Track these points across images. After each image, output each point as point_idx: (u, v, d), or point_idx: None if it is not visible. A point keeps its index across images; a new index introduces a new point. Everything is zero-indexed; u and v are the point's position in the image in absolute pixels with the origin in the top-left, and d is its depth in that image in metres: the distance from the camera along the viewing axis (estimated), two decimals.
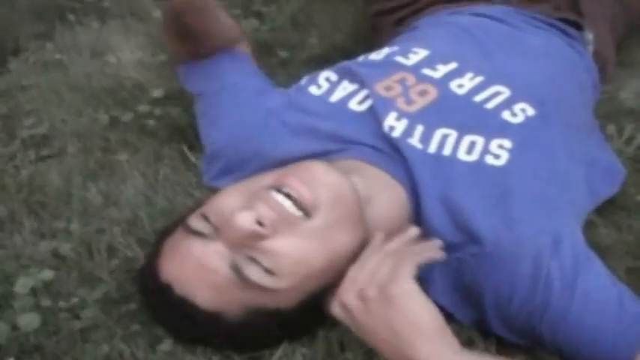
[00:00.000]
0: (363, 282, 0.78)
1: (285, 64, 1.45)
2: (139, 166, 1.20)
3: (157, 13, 1.56)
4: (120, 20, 1.57)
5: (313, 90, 1.04)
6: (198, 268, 0.81)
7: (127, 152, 1.23)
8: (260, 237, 0.79)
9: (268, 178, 0.84)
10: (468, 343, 0.90)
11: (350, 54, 1.21)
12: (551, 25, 1.20)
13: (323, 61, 1.35)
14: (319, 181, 0.82)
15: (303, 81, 1.07)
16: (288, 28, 1.54)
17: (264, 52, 1.42)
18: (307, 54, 1.47)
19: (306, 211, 0.81)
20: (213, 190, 0.96)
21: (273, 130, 1.00)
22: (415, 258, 0.79)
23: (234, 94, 1.08)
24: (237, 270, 0.79)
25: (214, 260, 0.80)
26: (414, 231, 0.83)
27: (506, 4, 1.24)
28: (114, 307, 0.95)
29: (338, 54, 1.41)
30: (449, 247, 0.87)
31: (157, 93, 1.33)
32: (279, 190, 0.82)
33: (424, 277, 0.85)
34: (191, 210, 0.88)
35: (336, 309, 0.80)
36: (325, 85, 1.04)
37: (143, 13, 1.59)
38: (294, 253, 0.80)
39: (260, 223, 0.79)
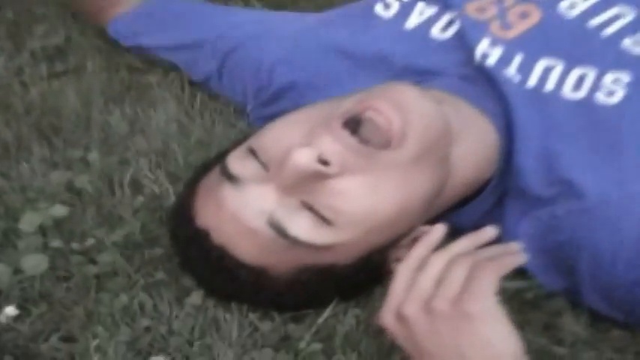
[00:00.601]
0: (429, 291, 0.75)
1: None
2: (172, 88, 1.19)
3: None
4: None
5: (380, 10, 1.04)
6: (235, 224, 0.80)
7: (158, 73, 1.22)
8: (322, 177, 0.78)
9: (347, 102, 0.82)
10: (554, 314, 0.89)
11: None
12: None
13: None
14: (411, 105, 0.81)
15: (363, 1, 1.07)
16: None
17: None
18: None
19: (389, 141, 0.79)
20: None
21: (335, 67, 1.01)
22: (497, 268, 0.76)
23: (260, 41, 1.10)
24: (280, 229, 0.79)
25: (252, 217, 0.80)
26: (489, 232, 0.79)
27: None
28: (136, 252, 0.95)
29: None
30: (540, 200, 0.87)
31: None
32: (354, 127, 0.79)
33: (510, 230, 0.86)
34: (235, 143, 0.87)
35: (388, 319, 0.77)
36: (395, 5, 1.04)
37: None
38: (365, 195, 0.79)
39: (324, 162, 0.77)
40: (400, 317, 0.76)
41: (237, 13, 1.22)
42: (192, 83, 1.21)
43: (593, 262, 0.85)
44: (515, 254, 0.78)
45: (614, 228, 0.84)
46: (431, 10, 1.02)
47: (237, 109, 1.15)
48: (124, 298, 0.90)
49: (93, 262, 0.94)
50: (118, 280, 0.92)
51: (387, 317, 0.77)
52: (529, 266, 0.87)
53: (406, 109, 0.81)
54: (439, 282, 0.75)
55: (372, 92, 0.83)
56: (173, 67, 1.22)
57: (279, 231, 0.79)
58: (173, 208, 0.92)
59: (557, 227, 0.87)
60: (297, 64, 1.07)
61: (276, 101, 1.09)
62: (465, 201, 0.91)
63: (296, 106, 0.89)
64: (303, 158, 0.77)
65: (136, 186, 1.04)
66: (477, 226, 0.80)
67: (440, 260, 0.76)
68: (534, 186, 0.88)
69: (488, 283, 0.74)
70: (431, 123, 0.82)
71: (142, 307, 0.90)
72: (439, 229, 0.79)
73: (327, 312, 0.88)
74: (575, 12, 0.96)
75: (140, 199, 1.02)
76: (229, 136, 1.10)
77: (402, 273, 0.77)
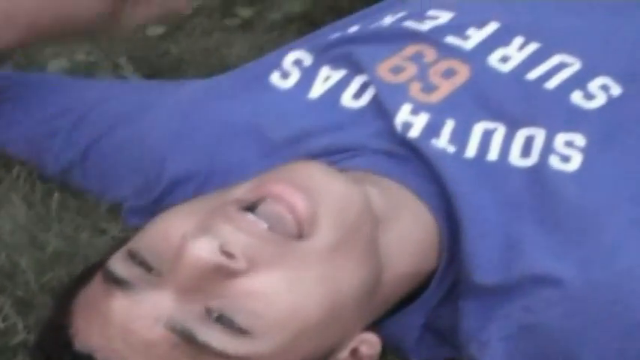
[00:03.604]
0: None
1: (246, 28, 1.39)
2: (19, 186, 1.09)
3: None
4: None
5: (276, 80, 1.00)
6: (128, 339, 0.75)
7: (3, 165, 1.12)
8: (228, 273, 0.74)
9: (238, 190, 0.81)
10: None
11: (344, 12, 1.15)
12: None
13: (303, 25, 1.33)
14: (319, 186, 0.79)
15: (255, 65, 1.05)
16: None
17: (216, 9, 1.33)
18: (279, 12, 1.38)
19: (299, 230, 0.77)
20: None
21: (238, 149, 0.98)
22: None
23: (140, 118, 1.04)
24: (185, 333, 0.73)
25: (147, 327, 0.74)
26: None
27: None
28: None
29: (326, 13, 1.37)
30: (504, 294, 0.85)
31: None
32: (252, 210, 0.77)
33: (476, 338, 0.85)
34: (113, 249, 0.82)
35: None
36: (295, 73, 1.00)
37: None
38: (284, 294, 0.76)
39: (227, 253, 0.73)
40: None
41: (101, 86, 1.15)
42: (45, 179, 1.09)
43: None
44: None
45: (614, 317, 0.82)
46: (338, 75, 0.98)
47: (111, 208, 1.06)
48: None
49: None
50: None
51: None
52: None
53: (313, 190, 0.79)
54: None
55: (270, 175, 0.83)
56: (18, 159, 1.11)
57: (184, 335, 0.74)
58: (39, 337, 0.86)
59: (536, 323, 0.84)
60: (191, 149, 1.01)
61: (169, 196, 1.01)
62: (408, 298, 0.88)
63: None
64: (203, 250, 0.73)
65: None
66: (427, 327, 0.84)
67: None
68: (493, 278, 0.85)
69: None
70: (346, 204, 0.80)
71: None
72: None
73: None
74: (510, 65, 0.94)
75: None
76: (98, 246, 1.00)
77: None
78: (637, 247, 0.83)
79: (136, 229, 0.85)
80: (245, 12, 1.38)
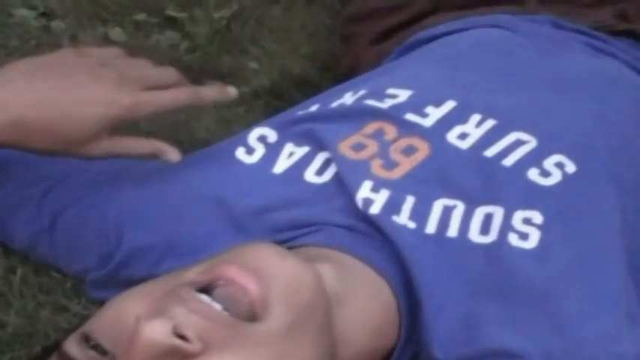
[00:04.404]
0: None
1: (214, 102, 1.33)
2: None
3: None
4: None
5: (241, 155, 1.01)
6: None
7: None
8: (182, 356, 0.72)
9: (191, 272, 0.80)
10: None
11: (312, 87, 1.22)
12: (606, 40, 1.15)
13: (271, 99, 1.33)
14: (270, 267, 0.79)
15: (221, 143, 1.05)
16: (218, 46, 1.45)
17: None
18: (247, 86, 1.37)
19: (252, 313, 0.76)
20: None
21: (206, 222, 0.97)
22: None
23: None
24: None
25: None
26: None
27: (544, 11, 1.19)
28: None
29: (293, 89, 1.36)
30: None
31: None
32: (206, 291, 0.76)
33: None
34: (70, 331, 0.81)
35: None
36: (260, 149, 1.01)
37: None
38: None
39: (181, 336, 0.72)
40: None
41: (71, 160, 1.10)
42: (8, 255, 1.07)
43: None
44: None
45: None
46: (302, 151, 0.98)
47: (75, 284, 1.03)
48: None
49: None
50: None
51: None
52: None
53: (263, 272, 0.78)
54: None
55: (222, 257, 0.82)
56: None
57: None
58: None
59: None
60: (152, 220, 1.01)
61: (127, 268, 1.00)
62: None
63: (150, 274, 0.87)
64: (156, 331, 0.72)
65: None
66: None
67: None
68: (452, 354, 0.84)
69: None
70: (298, 285, 0.79)
71: None
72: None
73: None
74: (469, 142, 0.95)
75: None
76: (59, 324, 0.98)
77: None
78: (591, 321, 0.84)
79: (99, 304, 0.84)
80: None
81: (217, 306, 0.76)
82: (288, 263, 0.80)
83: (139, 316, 0.74)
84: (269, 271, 0.78)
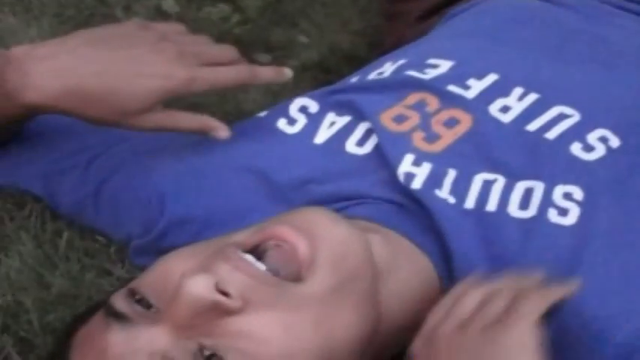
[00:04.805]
0: (467, 315, 0.78)
1: None
2: (29, 224, 1.07)
3: None
4: None
5: (283, 125, 1.01)
6: None
7: (10, 203, 1.10)
8: (223, 312, 0.74)
9: (240, 235, 0.81)
10: None
11: (360, 63, 1.15)
12: None
13: (318, 72, 1.33)
14: (321, 230, 0.79)
15: (263, 113, 1.05)
16: (269, 19, 1.46)
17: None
18: (297, 60, 1.38)
19: (298, 273, 0.77)
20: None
21: (247, 194, 0.98)
22: (541, 297, 0.77)
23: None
24: None
25: None
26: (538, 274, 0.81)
27: None
28: None
29: (342, 62, 1.36)
30: None
31: None
32: (256, 254, 0.77)
33: None
34: (116, 289, 0.82)
35: (418, 344, 0.79)
36: (302, 120, 1.01)
37: None
38: (277, 338, 0.75)
39: (223, 292, 0.73)
40: (430, 339, 0.78)
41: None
42: (55, 218, 1.08)
43: None
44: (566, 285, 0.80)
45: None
46: (343, 121, 0.98)
47: (119, 249, 1.04)
48: None
49: None
50: None
51: (417, 342, 0.79)
52: None
53: (315, 234, 0.79)
54: (478, 309, 0.78)
55: (274, 219, 0.82)
56: (30, 197, 1.10)
57: None
58: None
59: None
60: (193, 191, 1.01)
61: (167, 237, 1.01)
62: (404, 351, 0.85)
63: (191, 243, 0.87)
64: (199, 286, 0.74)
65: None
66: None
67: (482, 289, 0.79)
68: None
69: (528, 312, 0.76)
70: (347, 250, 0.80)
71: None
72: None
73: None
74: (511, 116, 0.94)
75: None
76: (102, 287, 1.00)
77: (442, 303, 0.80)
78: (628, 294, 0.83)
79: (141, 269, 0.86)
80: (263, 58, 1.36)
81: (262, 266, 0.77)
82: (341, 228, 0.80)
83: (185, 272, 0.75)
84: (320, 234, 0.79)
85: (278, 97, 1.18)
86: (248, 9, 1.47)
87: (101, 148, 1.06)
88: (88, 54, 0.95)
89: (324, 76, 1.28)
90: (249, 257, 0.77)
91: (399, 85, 0.99)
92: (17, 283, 0.99)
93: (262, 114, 1.04)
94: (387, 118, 0.96)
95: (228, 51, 0.99)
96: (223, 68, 0.96)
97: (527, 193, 0.89)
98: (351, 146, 0.97)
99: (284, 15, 1.48)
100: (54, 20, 1.35)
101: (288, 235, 0.78)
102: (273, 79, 0.99)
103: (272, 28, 1.45)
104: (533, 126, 0.93)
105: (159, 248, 0.97)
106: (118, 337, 0.76)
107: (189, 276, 0.74)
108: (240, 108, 1.23)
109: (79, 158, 1.06)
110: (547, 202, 0.88)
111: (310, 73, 1.32)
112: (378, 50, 1.28)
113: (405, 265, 0.87)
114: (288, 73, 0.98)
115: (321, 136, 0.99)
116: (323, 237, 0.79)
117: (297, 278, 0.77)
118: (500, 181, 0.90)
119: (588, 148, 0.91)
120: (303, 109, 1.02)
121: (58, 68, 0.93)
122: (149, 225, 1.01)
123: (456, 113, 0.95)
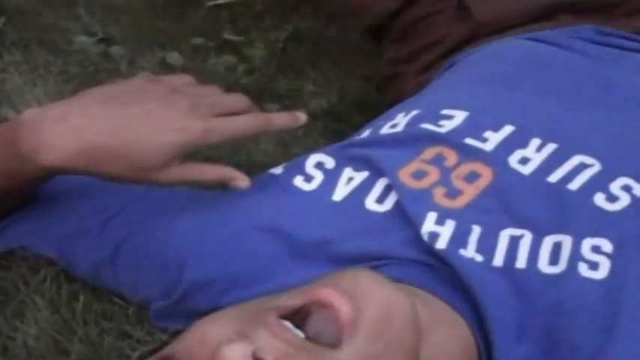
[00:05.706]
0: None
1: None
2: (44, 289, 1.05)
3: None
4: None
5: (299, 183, 1.00)
6: None
7: (24, 268, 1.09)
8: None
9: (281, 298, 0.80)
10: None
11: (370, 108, 1.19)
12: None
13: (329, 121, 1.34)
14: (366, 293, 0.78)
15: (279, 169, 1.04)
16: (275, 68, 1.47)
17: None
18: (306, 109, 1.38)
19: (338, 338, 0.75)
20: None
21: (269, 254, 0.95)
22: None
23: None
24: None
25: None
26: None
27: (590, 23, 1.17)
28: None
29: (352, 110, 1.37)
30: None
31: None
32: (298, 317, 0.76)
33: None
34: (142, 358, 0.86)
35: None
36: (319, 176, 1.00)
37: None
38: None
39: None
40: None
41: (130, 188, 1.10)
42: (71, 281, 1.06)
43: None
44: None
45: None
46: (361, 176, 0.97)
47: (138, 310, 1.03)
48: None
49: None
50: None
51: None
52: None
53: (358, 296, 0.76)
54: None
55: (318, 281, 0.80)
56: (44, 260, 1.08)
57: None
58: None
59: None
60: (212, 253, 0.99)
61: (189, 299, 1.00)
62: None
63: (213, 305, 0.88)
64: (235, 354, 0.72)
65: None
66: None
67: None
68: None
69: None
70: (392, 313, 0.77)
71: None
72: None
73: None
74: (531, 167, 0.93)
75: None
76: (122, 350, 0.97)
77: None
78: None
79: (162, 331, 0.86)
80: (272, 108, 1.37)
81: (300, 334, 0.76)
82: (386, 289, 0.79)
83: (222, 338, 0.75)
84: (364, 295, 0.78)
85: (289, 147, 1.18)
86: (253, 59, 1.48)
87: (115, 210, 1.06)
88: (100, 112, 0.95)
89: (334, 124, 1.28)
90: (288, 324, 0.76)
91: (415, 140, 0.98)
92: (35, 352, 0.96)
93: (278, 171, 1.03)
94: (405, 175, 0.95)
95: (240, 100, 0.99)
96: (238, 117, 0.96)
97: (556, 248, 0.87)
98: (370, 203, 0.96)
99: (290, 63, 1.50)
100: (59, 78, 1.35)
101: (332, 297, 0.77)
102: (289, 125, 0.99)
103: (278, 77, 1.47)
104: (554, 177, 0.92)
105: (181, 311, 0.96)
106: None
107: (226, 344, 0.73)
108: (251, 159, 1.23)
109: (94, 221, 1.05)
110: (576, 256, 0.87)
111: (321, 121, 1.32)
112: (387, 95, 1.30)
113: (441, 326, 0.85)
114: (302, 117, 0.98)
115: (340, 193, 0.98)
116: (367, 299, 0.78)
117: (337, 342, 0.76)
118: (528, 237, 0.89)
119: (612, 199, 0.90)
120: (320, 165, 1.01)
121: (72, 128, 0.93)
122: (168, 288, 1.01)
123: (476, 167, 0.95)
